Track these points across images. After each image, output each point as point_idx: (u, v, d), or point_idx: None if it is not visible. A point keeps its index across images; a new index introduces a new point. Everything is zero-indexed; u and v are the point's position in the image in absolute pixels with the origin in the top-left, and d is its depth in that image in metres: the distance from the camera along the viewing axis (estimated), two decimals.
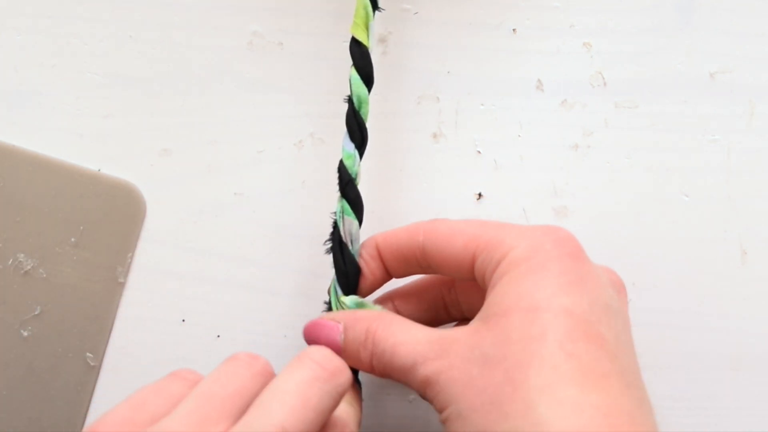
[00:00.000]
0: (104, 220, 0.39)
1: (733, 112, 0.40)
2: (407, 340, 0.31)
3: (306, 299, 0.39)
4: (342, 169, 0.35)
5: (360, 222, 0.35)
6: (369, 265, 0.35)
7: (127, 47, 0.40)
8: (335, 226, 0.35)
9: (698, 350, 0.40)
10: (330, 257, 0.35)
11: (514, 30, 0.40)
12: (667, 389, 0.40)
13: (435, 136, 0.40)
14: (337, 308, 0.34)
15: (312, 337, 0.33)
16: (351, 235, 0.34)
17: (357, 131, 0.35)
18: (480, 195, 0.40)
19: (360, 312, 0.33)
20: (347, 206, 0.34)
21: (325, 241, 0.35)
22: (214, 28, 0.40)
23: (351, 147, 0.35)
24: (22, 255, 0.39)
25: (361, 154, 0.35)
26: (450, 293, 0.35)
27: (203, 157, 0.40)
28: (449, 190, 0.40)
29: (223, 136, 0.40)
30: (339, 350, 0.32)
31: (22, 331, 0.39)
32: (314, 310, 0.39)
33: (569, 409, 0.26)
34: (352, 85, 0.35)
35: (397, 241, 0.34)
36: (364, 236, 0.36)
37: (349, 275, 0.34)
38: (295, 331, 0.39)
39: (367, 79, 0.35)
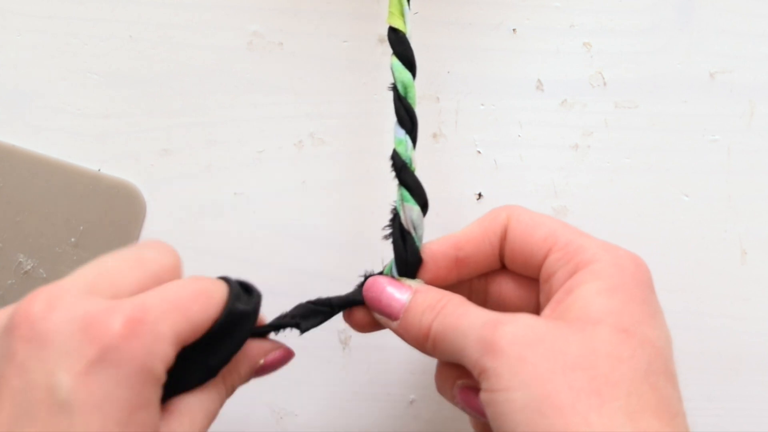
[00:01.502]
0: (104, 220, 0.39)
1: (733, 112, 0.40)
2: (480, 309, 0.31)
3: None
4: (395, 156, 0.34)
5: (423, 207, 0.34)
6: (436, 261, 0.34)
7: (127, 47, 0.40)
8: (395, 213, 0.34)
9: (698, 350, 0.40)
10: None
11: (514, 30, 0.40)
12: None
13: (435, 136, 0.40)
14: None
15: (374, 292, 0.33)
16: (413, 222, 0.34)
17: (406, 117, 0.34)
18: (480, 195, 0.40)
19: (433, 287, 0.33)
20: (406, 193, 0.34)
21: (384, 227, 0.34)
22: (214, 28, 0.40)
23: (401, 133, 0.34)
24: (22, 255, 0.39)
25: (412, 140, 0.34)
26: (480, 281, 0.35)
27: (203, 157, 0.40)
28: (449, 190, 0.40)
29: (223, 136, 0.40)
30: (399, 308, 0.32)
31: None
32: None
33: None
34: (395, 72, 0.34)
35: (476, 228, 0.33)
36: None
37: (409, 263, 0.33)
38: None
39: (410, 64, 0.34)
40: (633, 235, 0.40)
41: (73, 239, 0.39)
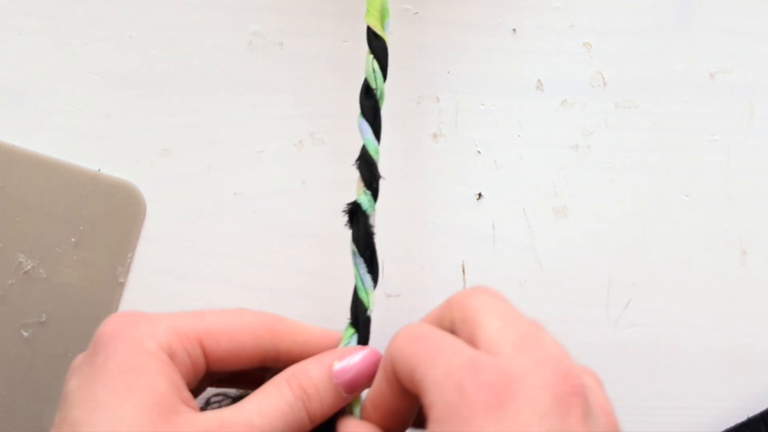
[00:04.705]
0: (104, 220, 0.39)
1: (733, 112, 0.40)
2: None
3: (306, 299, 0.39)
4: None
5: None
6: None
7: (127, 47, 0.40)
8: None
9: (698, 350, 0.40)
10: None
11: (514, 30, 0.40)
12: (667, 389, 0.40)
13: (435, 136, 0.40)
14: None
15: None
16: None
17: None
18: (480, 195, 0.40)
19: None
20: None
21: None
22: (214, 28, 0.40)
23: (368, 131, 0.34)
24: (22, 255, 0.39)
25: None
26: None
27: (203, 157, 0.40)
28: (449, 190, 0.40)
29: (223, 136, 0.40)
30: None
31: (22, 331, 0.39)
32: (314, 310, 0.39)
33: None
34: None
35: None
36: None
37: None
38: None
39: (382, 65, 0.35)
40: (633, 235, 0.40)
41: (73, 239, 0.39)
